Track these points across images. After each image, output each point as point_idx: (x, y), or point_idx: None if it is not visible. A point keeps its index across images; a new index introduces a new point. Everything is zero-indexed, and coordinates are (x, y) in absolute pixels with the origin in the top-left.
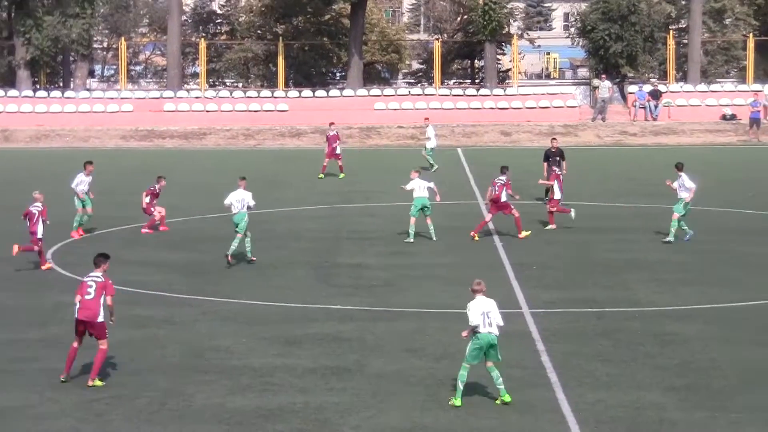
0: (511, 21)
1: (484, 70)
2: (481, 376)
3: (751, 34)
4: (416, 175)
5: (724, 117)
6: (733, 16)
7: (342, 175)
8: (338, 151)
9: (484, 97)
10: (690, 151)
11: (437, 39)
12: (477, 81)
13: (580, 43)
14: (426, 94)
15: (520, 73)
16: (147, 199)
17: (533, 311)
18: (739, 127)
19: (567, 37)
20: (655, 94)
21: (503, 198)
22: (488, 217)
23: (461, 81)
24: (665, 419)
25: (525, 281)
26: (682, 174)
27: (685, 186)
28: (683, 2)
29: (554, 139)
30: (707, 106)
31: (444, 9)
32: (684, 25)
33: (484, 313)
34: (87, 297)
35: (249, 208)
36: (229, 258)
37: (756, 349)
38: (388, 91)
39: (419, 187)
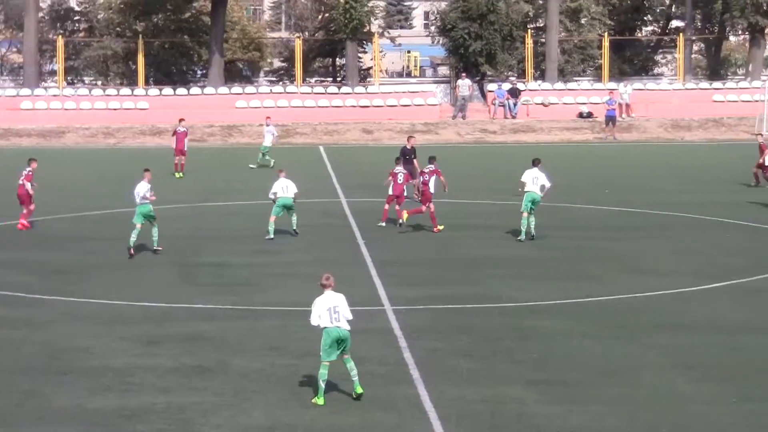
0: (372, 19)
1: (346, 69)
2: (343, 372)
3: (606, 34)
4: (282, 174)
5: (580, 115)
6: (588, 16)
7: (179, 175)
8: (185, 149)
9: (346, 95)
10: (548, 149)
11: (298, 37)
12: (339, 79)
13: (441, 42)
14: (288, 93)
15: (381, 71)
16: (29, 185)
17: (395, 308)
18: (595, 124)
19: (427, 36)
20: (514, 93)
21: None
22: (423, 207)
23: (323, 79)
24: (524, 413)
25: (387, 278)
26: (536, 169)
27: (537, 181)
28: (540, 2)
29: (411, 137)
30: (564, 104)
31: (305, 7)
32: (541, 25)
33: (330, 308)
34: None
35: (145, 198)
36: (131, 251)
37: (613, 342)
38: (250, 89)
39: (284, 188)
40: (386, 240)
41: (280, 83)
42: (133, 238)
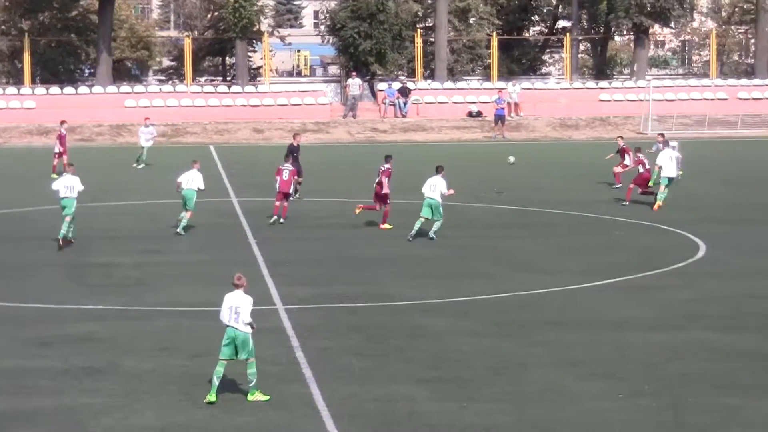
0: (262, 18)
1: (236, 68)
2: (237, 373)
3: (494, 33)
4: (196, 166)
5: (470, 114)
6: (477, 16)
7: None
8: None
9: (236, 95)
10: (438, 148)
11: (188, 36)
12: (229, 78)
13: (331, 41)
14: (177, 92)
15: (271, 70)
16: None
17: (287, 308)
18: (484, 123)
19: (317, 35)
20: (404, 92)
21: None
22: (377, 206)
23: (213, 78)
24: (416, 411)
25: (279, 278)
26: (438, 176)
27: (435, 189)
28: (429, 1)
29: (297, 134)
30: (454, 103)
31: (194, 6)
32: (431, 24)
33: (232, 308)
34: None
35: (79, 192)
36: (60, 242)
37: (503, 340)
38: (139, 88)
39: (189, 180)
40: (278, 239)
41: (170, 82)
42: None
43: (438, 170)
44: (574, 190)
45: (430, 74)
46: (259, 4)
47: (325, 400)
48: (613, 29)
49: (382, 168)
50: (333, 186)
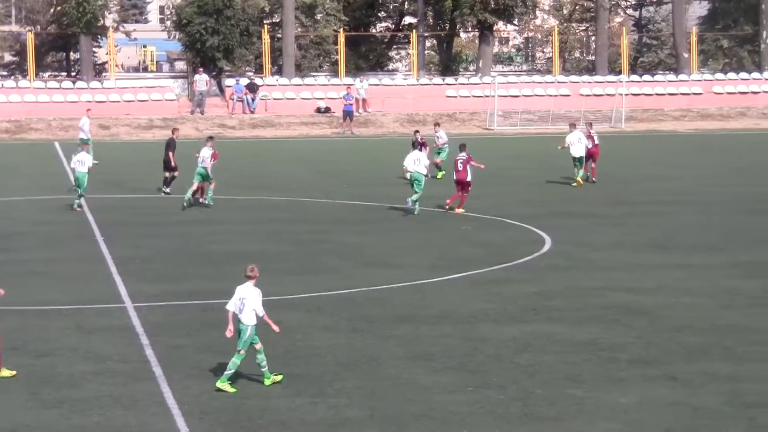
0: (107, 13)
1: (80, 63)
2: (86, 374)
3: (342, 30)
4: (87, 148)
5: (318, 110)
6: (324, 12)
7: None
8: None
9: (81, 90)
10: (287, 144)
11: (30, 31)
12: (73, 74)
13: (177, 37)
14: (20, 87)
15: (117, 66)
16: None
17: (136, 305)
18: (333, 119)
19: (163, 31)
20: (252, 88)
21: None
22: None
23: (57, 74)
24: (269, 407)
25: (127, 275)
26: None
27: None
28: None
29: (175, 129)
30: (302, 99)
31: (36, 0)
32: (278, 20)
33: (240, 299)
34: None
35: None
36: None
37: (353, 335)
38: None
39: (80, 162)
40: (125, 236)
41: (12, 78)
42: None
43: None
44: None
45: (278, 70)
46: None
47: (176, 398)
48: (458, 26)
49: (462, 157)
50: (186, 181)
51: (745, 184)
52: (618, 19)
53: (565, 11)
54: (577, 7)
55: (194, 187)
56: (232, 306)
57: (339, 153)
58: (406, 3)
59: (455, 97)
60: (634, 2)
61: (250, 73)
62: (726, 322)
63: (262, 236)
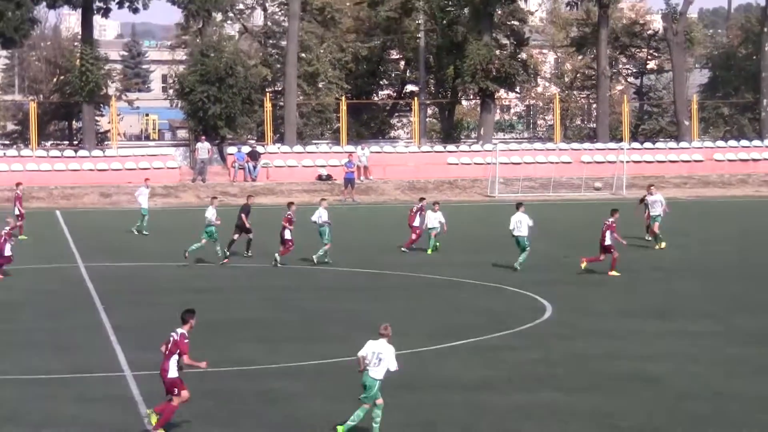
0: (109, 82)
1: (83, 132)
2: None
3: (343, 97)
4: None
5: (320, 177)
6: (326, 80)
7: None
8: None
9: (83, 159)
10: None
11: (32, 100)
12: (76, 142)
13: (179, 105)
14: (22, 156)
15: (119, 134)
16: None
17: (135, 374)
18: (334, 186)
19: (166, 99)
20: (254, 155)
21: (607, 240)
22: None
23: (59, 142)
24: None
25: (126, 343)
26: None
27: None
28: (279, 66)
29: (250, 195)
30: (304, 166)
31: (39, 69)
32: (280, 88)
33: (374, 353)
34: None
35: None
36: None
37: (354, 403)
38: None
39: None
40: (125, 305)
41: (14, 146)
42: (192, 247)
43: (518, 207)
44: (422, 252)
45: (280, 138)
46: (107, 68)
47: None
48: (459, 93)
49: (608, 221)
50: (173, 250)
51: (747, 251)
52: (619, 87)
53: (566, 79)
54: (578, 75)
55: (203, 242)
56: (363, 353)
57: (340, 220)
58: (408, 71)
59: (456, 164)
60: (635, 70)
61: (252, 141)
62: (730, 390)
63: (264, 303)
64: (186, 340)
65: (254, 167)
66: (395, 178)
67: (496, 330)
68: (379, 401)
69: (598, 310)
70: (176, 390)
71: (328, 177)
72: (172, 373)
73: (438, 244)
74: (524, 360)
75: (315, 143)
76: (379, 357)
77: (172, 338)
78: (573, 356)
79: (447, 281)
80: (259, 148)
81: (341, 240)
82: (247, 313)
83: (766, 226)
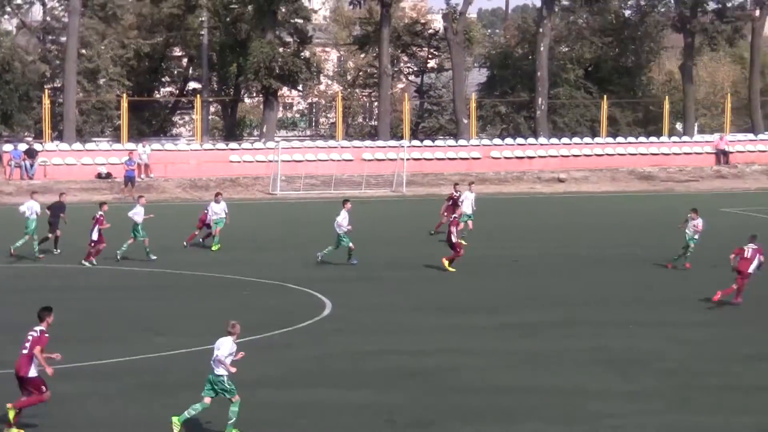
0: None
1: None
2: None
3: (125, 94)
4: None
5: (99, 175)
6: (107, 77)
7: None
8: None
9: None
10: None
11: None
12: None
13: None
14: None
15: None
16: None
17: None
18: (114, 185)
19: None
20: (31, 153)
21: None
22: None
23: None
24: None
25: None
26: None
27: None
28: (58, 62)
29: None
30: (83, 164)
31: None
32: (59, 85)
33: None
34: None
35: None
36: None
37: (132, 403)
38: None
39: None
40: None
41: None
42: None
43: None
44: (204, 250)
45: (59, 135)
46: None
47: None
48: (243, 91)
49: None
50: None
51: (519, 246)
52: (400, 85)
53: (348, 77)
54: (360, 73)
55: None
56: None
57: (122, 219)
58: (191, 68)
59: (239, 162)
60: (416, 69)
61: (29, 139)
62: (502, 382)
63: (40, 304)
64: (46, 335)
65: (31, 165)
66: (176, 176)
67: (277, 327)
68: (236, 398)
69: (376, 305)
70: (44, 388)
71: (108, 175)
72: (33, 372)
73: (218, 240)
74: (302, 356)
75: (95, 141)
76: (215, 351)
77: (31, 336)
78: (350, 352)
79: (229, 279)
80: (37, 146)
81: (123, 240)
82: (21, 316)
83: (539, 222)
